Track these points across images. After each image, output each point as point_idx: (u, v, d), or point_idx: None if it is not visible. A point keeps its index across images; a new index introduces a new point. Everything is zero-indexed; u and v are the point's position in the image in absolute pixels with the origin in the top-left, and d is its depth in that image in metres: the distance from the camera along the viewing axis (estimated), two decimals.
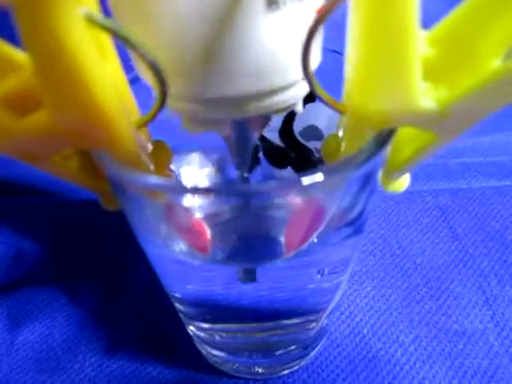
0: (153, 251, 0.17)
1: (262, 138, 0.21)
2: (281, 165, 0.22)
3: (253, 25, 0.11)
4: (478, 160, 0.36)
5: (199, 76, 0.12)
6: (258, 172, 0.21)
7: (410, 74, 0.10)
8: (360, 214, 0.16)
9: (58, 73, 0.09)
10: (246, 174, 0.17)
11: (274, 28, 0.12)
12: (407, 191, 0.32)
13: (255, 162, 0.20)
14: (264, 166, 0.21)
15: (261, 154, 0.21)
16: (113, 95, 0.10)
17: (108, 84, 0.10)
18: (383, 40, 0.10)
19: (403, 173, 0.16)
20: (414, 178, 0.33)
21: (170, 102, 0.14)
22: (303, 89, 0.14)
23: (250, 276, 0.17)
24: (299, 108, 0.15)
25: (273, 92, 0.13)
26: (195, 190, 0.12)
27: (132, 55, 0.13)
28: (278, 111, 0.14)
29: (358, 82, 0.12)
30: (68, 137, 0.11)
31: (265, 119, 0.16)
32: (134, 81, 0.16)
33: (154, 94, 0.14)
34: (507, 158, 0.37)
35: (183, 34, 0.12)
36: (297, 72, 0.13)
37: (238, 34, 0.12)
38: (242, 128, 0.15)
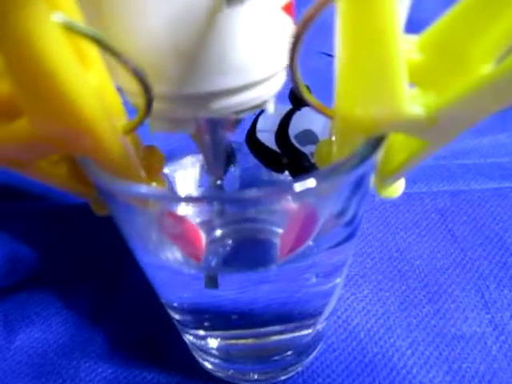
0: (145, 259, 0.17)
1: (257, 142, 0.21)
2: (276, 169, 0.22)
3: (215, 21, 0.11)
4: (478, 162, 0.36)
5: (164, 74, 0.12)
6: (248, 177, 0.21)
7: (395, 81, 0.10)
8: (353, 218, 0.16)
9: (32, 79, 0.09)
10: (218, 182, 0.17)
11: (237, 24, 0.12)
12: (406, 193, 0.32)
13: (227, 165, 0.20)
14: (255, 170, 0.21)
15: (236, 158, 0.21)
16: (95, 101, 0.10)
17: (89, 90, 0.10)
18: (365, 47, 0.10)
19: (397, 178, 0.16)
20: (412, 180, 0.34)
21: (135, 101, 0.14)
22: (270, 88, 0.14)
23: (212, 283, 0.17)
24: (270, 108, 0.15)
25: (237, 90, 0.13)
26: (186, 199, 0.12)
27: (109, 64, 0.13)
28: (243, 110, 0.14)
29: (345, 88, 0.11)
30: (50, 144, 0.11)
31: (235, 119, 0.15)
32: None
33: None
34: (507, 159, 0.36)
35: (147, 31, 0.11)
36: (262, 70, 0.13)
37: (201, 31, 0.11)
38: (212, 128, 0.15)
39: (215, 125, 0.15)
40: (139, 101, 0.13)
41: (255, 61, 0.13)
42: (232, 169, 0.20)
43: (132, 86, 0.11)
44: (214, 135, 0.16)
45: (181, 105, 0.13)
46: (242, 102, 0.14)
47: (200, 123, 0.15)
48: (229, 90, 0.13)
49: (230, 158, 0.19)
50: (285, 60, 0.14)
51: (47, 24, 0.08)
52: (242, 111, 0.14)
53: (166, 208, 0.13)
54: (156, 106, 0.14)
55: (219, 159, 0.17)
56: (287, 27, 0.13)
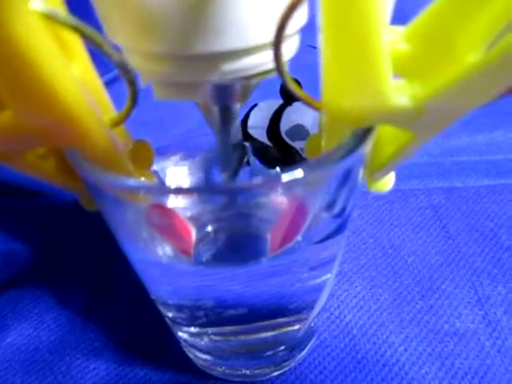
0: (135, 256, 0.17)
1: (252, 139, 0.21)
2: (271, 164, 0.22)
3: None
4: (474, 159, 0.36)
5: (168, 31, 0.12)
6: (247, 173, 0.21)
7: (379, 71, 0.10)
8: (342, 211, 0.16)
9: (13, 70, 0.09)
10: (232, 177, 0.17)
11: None
12: (400, 190, 0.33)
13: (240, 162, 0.19)
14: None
15: (249, 156, 0.21)
16: (78, 93, 0.10)
17: (71, 81, 0.10)
18: (349, 38, 0.10)
19: (386, 172, 0.16)
20: (407, 177, 0.34)
21: (141, 63, 0.13)
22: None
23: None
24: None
25: (248, 51, 0.12)
26: (175, 191, 0.12)
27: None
28: (253, 76, 0.13)
29: (330, 80, 0.11)
30: (35, 135, 0.11)
31: (244, 88, 0.15)
32: (114, 81, 0.16)
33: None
34: (502, 156, 0.36)
35: None
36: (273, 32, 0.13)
37: None
38: (221, 97, 0.14)
39: (224, 92, 0.14)
40: None
41: (266, 22, 0.12)
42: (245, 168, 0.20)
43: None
44: (222, 105, 0.15)
45: (186, 67, 0.13)
46: (250, 65, 0.13)
47: (207, 91, 0.14)
48: (237, 52, 0.12)
49: (242, 156, 0.19)
50: (297, 24, 0.13)
51: (26, 12, 0.08)
52: (252, 76, 0.13)
53: (153, 201, 0.13)
54: (160, 68, 0.13)
55: (228, 139, 0.16)
56: None
